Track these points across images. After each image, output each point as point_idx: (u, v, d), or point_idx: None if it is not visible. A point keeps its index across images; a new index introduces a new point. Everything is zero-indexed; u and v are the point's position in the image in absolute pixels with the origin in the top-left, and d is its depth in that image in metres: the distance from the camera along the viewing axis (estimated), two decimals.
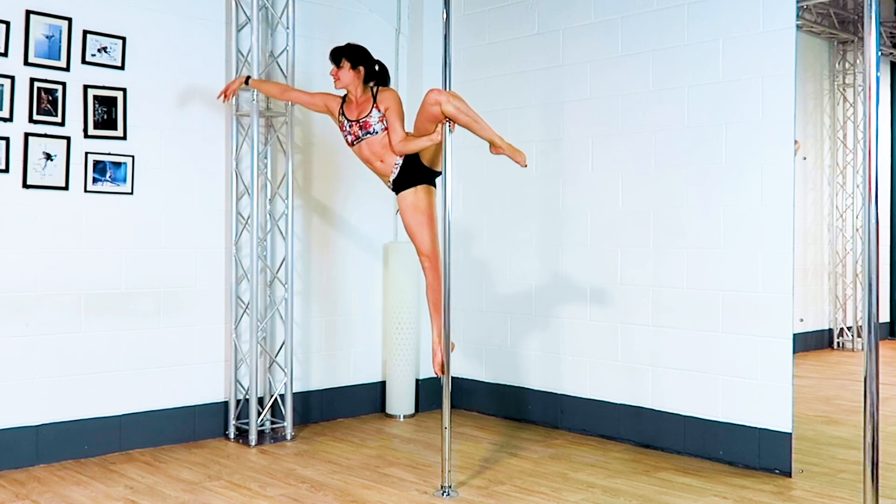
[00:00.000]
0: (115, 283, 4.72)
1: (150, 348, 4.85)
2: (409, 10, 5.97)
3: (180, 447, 4.89)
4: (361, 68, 4.28)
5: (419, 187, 4.23)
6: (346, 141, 4.36)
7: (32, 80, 4.43)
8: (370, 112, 4.23)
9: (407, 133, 4.22)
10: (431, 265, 4.26)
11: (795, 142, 4.35)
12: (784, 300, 4.37)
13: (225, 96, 4.70)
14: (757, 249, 4.48)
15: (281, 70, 5.22)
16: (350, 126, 4.30)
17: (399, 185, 4.26)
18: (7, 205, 4.38)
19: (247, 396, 5.14)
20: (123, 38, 4.72)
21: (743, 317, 4.53)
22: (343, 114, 4.34)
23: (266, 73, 5.22)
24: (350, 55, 4.28)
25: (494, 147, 4.14)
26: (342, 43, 4.37)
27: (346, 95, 4.36)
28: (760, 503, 3.95)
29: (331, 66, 4.30)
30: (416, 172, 4.22)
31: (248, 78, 4.73)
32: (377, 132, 4.23)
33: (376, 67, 4.34)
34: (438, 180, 4.25)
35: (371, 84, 4.32)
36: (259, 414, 5.08)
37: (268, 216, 5.22)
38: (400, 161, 4.22)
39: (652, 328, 4.93)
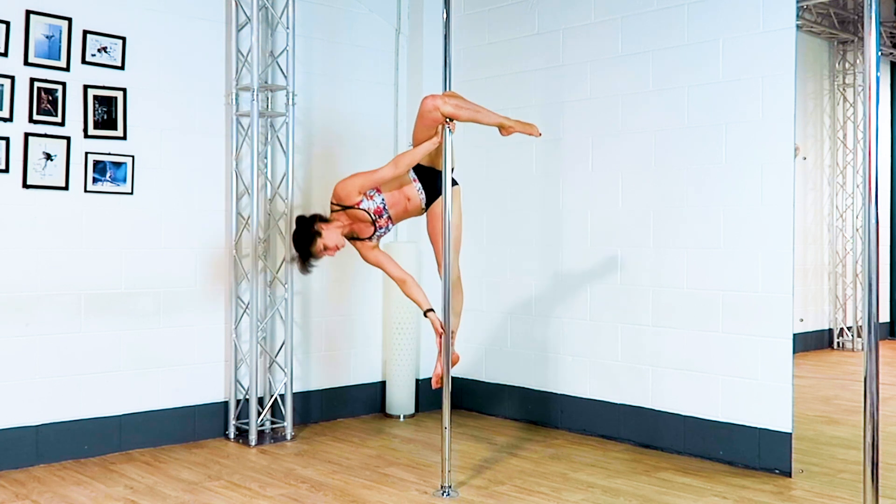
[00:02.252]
0: (115, 283, 4.72)
1: (150, 348, 4.85)
2: (409, 10, 5.97)
3: (180, 447, 4.89)
4: (320, 225, 4.05)
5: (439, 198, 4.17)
6: (390, 229, 4.21)
7: (32, 80, 4.43)
8: (359, 209, 4.07)
9: (401, 154, 4.12)
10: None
11: (796, 148, 4.34)
12: (784, 300, 4.37)
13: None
14: (757, 249, 4.48)
15: (281, 70, 5.22)
16: (378, 228, 4.14)
17: (429, 203, 4.21)
18: (7, 205, 4.38)
19: (247, 396, 5.14)
20: (123, 38, 4.72)
21: (743, 317, 4.53)
22: (366, 238, 4.16)
23: (266, 72, 5.23)
24: (304, 241, 4.06)
25: (504, 129, 4.10)
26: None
27: (348, 238, 4.17)
28: (760, 503, 3.95)
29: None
30: (432, 182, 4.17)
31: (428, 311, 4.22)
32: (382, 201, 4.11)
33: (306, 227, 4.07)
34: (438, 180, 4.21)
35: (334, 211, 4.10)
36: (259, 414, 5.08)
37: (268, 216, 5.21)
38: (418, 184, 4.15)
39: (652, 328, 4.93)
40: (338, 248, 4.09)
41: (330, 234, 4.06)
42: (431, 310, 4.15)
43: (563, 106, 5.38)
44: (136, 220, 4.80)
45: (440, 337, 4.11)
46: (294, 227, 4.17)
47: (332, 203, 4.13)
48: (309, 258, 4.11)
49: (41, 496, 4.00)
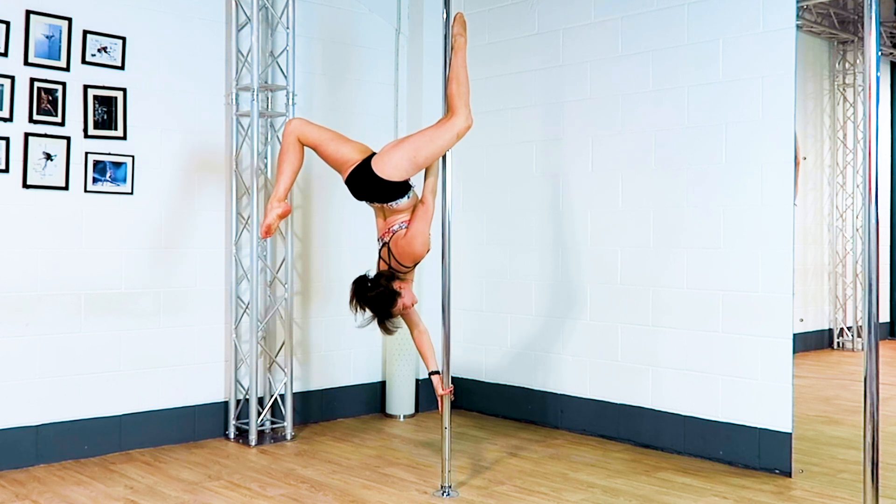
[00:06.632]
0: (115, 283, 4.72)
1: (150, 348, 4.85)
2: (409, 10, 5.96)
3: (180, 447, 4.89)
4: (399, 284, 3.88)
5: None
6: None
7: (32, 80, 4.43)
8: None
9: (435, 183, 3.98)
10: None
11: (799, 157, 4.33)
12: (784, 300, 4.37)
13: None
14: (757, 249, 4.48)
15: (281, 70, 5.22)
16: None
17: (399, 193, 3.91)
18: (7, 205, 4.38)
19: (247, 396, 5.14)
20: (123, 38, 4.72)
21: (743, 317, 4.53)
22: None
23: (266, 72, 5.22)
24: (385, 303, 3.86)
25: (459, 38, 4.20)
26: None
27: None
28: (760, 503, 3.95)
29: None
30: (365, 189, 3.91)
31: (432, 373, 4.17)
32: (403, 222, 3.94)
33: (383, 288, 3.88)
34: (438, 179, 4.17)
35: (407, 270, 3.96)
36: (259, 414, 5.08)
37: None
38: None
39: (652, 328, 4.93)
40: (414, 304, 3.97)
41: (408, 293, 3.92)
42: (437, 372, 4.12)
43: (563, 106, 5.38)
44: (136, 220, 4.80)
45: (440, 398, 4.09)
46: (357, 287, 3.88)
47: (406, 266, 3.90)
48: (389, 319, 3.91)
49: (41, 496, 4.00)
